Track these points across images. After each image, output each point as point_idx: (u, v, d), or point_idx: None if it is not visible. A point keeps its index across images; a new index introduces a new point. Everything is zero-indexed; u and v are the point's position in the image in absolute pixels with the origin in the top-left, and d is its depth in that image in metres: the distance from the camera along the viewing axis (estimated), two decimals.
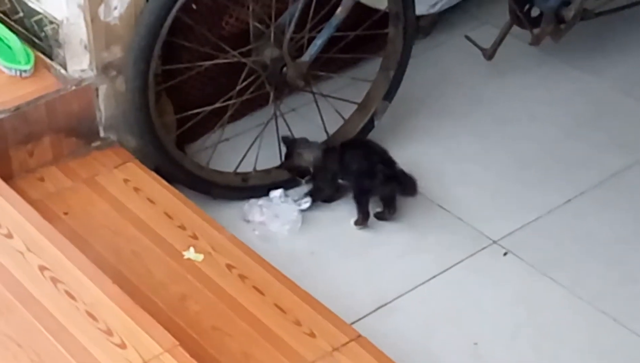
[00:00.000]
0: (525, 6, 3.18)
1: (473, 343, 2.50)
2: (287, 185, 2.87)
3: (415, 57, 3.06)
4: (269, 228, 2.76)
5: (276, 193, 2.83)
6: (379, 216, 2.79)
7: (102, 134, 2.76)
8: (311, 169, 2.83)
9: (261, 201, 2.81)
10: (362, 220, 2.78)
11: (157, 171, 2.75)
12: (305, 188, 2.88)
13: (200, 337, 2.27)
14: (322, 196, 2.86)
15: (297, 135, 2.91)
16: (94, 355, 2.03)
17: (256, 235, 2.72)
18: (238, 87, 2.81)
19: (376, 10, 3.05)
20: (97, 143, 2.76)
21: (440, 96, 3.31)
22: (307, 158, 2.83)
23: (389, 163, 2.79)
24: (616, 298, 2.62)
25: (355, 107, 3.01)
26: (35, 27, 2.72)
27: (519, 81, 3.40)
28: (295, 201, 2.82)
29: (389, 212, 2.79)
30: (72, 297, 2.15)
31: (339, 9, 2.77)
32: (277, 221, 2.76)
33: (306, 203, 2.82)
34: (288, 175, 2.88)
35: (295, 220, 2.77)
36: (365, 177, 2.76)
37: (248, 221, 2.77)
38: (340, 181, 2.84)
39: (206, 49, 2.83)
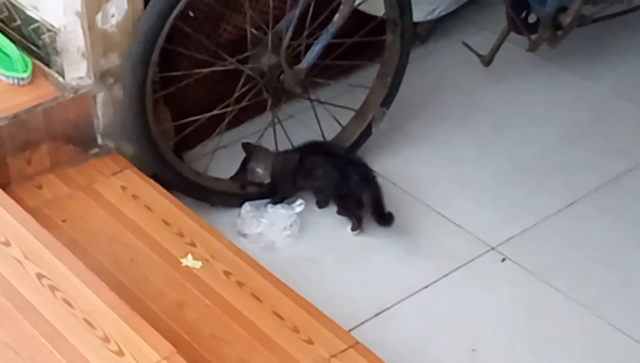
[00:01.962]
0: (522, 12, 3.18)
1: (472, 350, 2.49)
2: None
3: (412, 63, 3.06)
4: (268, 238, 2.74)
5: (248, 208, 2.78)
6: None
7: (99, 141, 2.76)
8: (266, 182, 2.81)
9: (252, 212, 2.77)
10: (357, 225, 2.78)
11: (155, 178, 2.74)
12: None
13: (198, 344, 2.27)
14: (282, 197, 2.83)
15: (295, 142, 2.91)
16: None
17: (261, 247, 2.70)
18: (236, 95, 2.81)
19: (373, 17, 3.05)
20: (95, 151, 2.76)
21: (438, 102, 3.31)
22: (260, 174, 2.80)
23: (359, 163, 2.79)
24: (615, 303, 2.62)
25: (352, 113, 3.01)
26: (33, 35, 2.72)
27: (516, 87, 3.40)
28: (289, 204, 2.81)
29: (379, 217, 2.75)
30: (70, 305, 2.15)
31: (337, 16, 2.77)
32: (275, 228, 2.74)
33: (300, 205, 2.80)
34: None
35: (293, 224, 2.76)
36: (339, 183, 2.75)
37: (245, 235, 2.74)
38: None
39: (204, 56, 2.83)
